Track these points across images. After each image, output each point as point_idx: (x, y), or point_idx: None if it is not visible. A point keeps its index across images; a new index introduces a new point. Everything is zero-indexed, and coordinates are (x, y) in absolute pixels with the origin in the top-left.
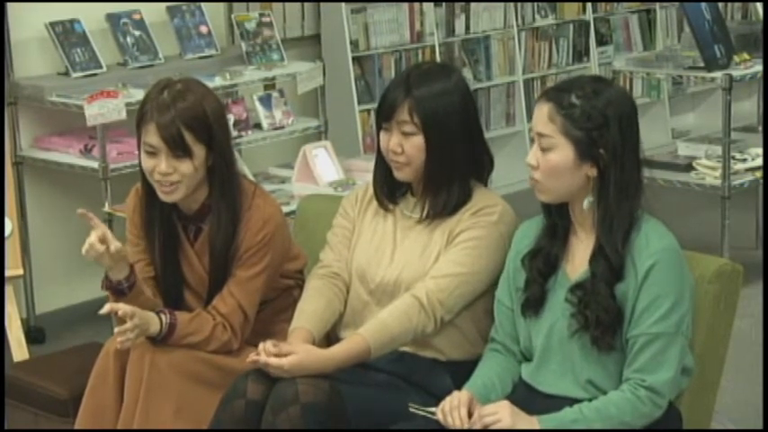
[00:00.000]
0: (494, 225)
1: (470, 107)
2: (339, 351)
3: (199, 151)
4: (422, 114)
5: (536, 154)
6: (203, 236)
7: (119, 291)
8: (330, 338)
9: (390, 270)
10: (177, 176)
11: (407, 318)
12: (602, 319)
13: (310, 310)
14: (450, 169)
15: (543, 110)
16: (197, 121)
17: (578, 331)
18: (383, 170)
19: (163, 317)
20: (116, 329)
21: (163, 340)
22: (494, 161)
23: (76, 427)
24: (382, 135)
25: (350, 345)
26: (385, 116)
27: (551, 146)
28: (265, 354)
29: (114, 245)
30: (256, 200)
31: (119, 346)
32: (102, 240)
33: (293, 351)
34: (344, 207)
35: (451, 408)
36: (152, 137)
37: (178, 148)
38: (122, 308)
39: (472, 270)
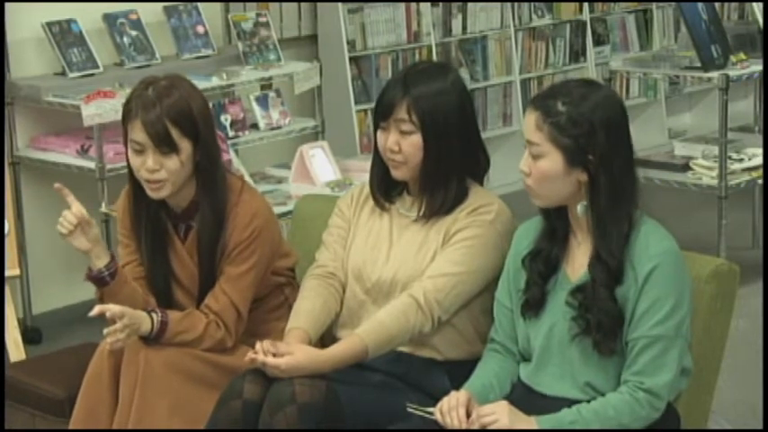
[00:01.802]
0: (490, 224)
1: (467, 106)
2: (336, 351)
3: (185, 146)
4: (420, 113)
5: (527, 161)
6: (193, 234)
7: (101, 280)
8: (326, 339)
9: (386, 269)
10: (164, 173)
11: (405, 318)
12: (603, 323)
13: (306, 310)
14: (448, 168)
15: (531, 118)
16: (182, 117)
17: (579, 335)
18: (380, 169)
19: (154, 315)
20: (105, 330)
21: (155, 339)
22: (490, 160)
23: (71, 426)
24: (379, 134)
25: (347, 345)
26: (383, 115)
27: (541, 153)
28: (263, 353)
29: (83, 214)
30: (243, 195)
31: (109, 347)
32: (78, 217)
33: (290, 351)
34: (340, 207)
35: (450, 408)
36: (138, 134)
37: (164, 144)
38: (111, 309)
39: (469, 269)
